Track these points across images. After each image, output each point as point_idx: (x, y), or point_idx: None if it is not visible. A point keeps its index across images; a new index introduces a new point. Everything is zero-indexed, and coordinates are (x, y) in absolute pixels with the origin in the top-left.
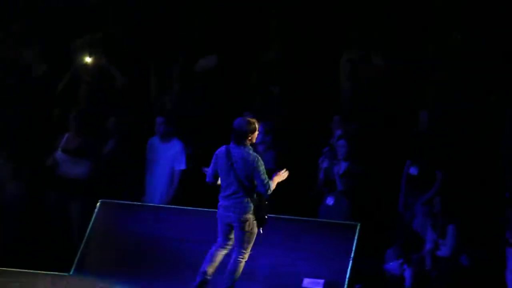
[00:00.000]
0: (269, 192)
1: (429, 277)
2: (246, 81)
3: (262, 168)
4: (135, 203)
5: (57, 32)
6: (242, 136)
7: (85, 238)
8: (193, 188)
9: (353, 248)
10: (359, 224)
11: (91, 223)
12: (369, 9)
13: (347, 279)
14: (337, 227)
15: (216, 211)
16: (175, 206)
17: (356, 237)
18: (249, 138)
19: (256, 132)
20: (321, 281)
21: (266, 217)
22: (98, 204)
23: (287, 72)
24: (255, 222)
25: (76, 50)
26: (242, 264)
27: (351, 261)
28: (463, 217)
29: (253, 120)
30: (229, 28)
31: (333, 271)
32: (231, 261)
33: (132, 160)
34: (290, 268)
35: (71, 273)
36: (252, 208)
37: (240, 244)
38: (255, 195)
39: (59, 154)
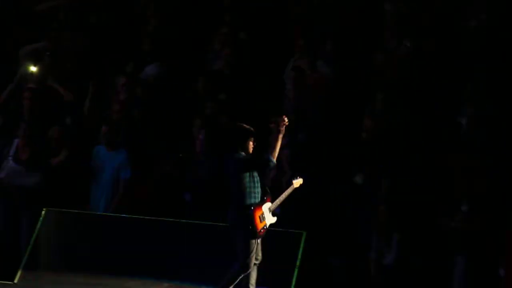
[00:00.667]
0: None
1: (374, 285)
2: (193, 89)
3: None
4: (79, 211)
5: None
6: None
7: (30, 246)
8: (138, 197)
9: (299, 257)
10: (304, 233)
11: (36, 232)
12: (317, 17)
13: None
14: (283, 235)
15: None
16: (119, 215)
17: (301, 246)
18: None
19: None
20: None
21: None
22: (43, 213)
23: (234, 80)
24: None
25: (22, 59)
26: None
27: (296, 270)
28: (408, 225)
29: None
30: (177, 36)
31: (279, 280)
32: None
33: (78, 169)
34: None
35: (15, 281)
36: None
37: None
38: None
39: (10, 163)
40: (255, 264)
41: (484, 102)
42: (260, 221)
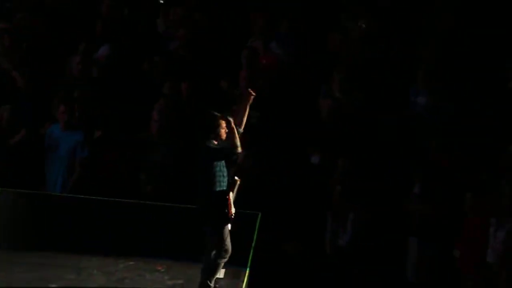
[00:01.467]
0: None
1: (329, 266)
2: (149, 72)
3: None
4: (34, 192)
5: None
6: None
7: None
8: (94, 176)
9: (254, 238)
10: (259, 214)
11: None
12: None
13: (248, 269)
14: (239, 216)
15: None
16: (75, 195)
17: (257, 227)
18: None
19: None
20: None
21: None
22: None
23: (191, 62)
24: None
25: None
26: None
27: (252, 250)
28: (363, 206)
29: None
30: (128, 17)
31: (235, 260)
32: None
33: (33, 149)
34: (191, 257)
35: None
36: None
37: None
38: None
39: None
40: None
41: (436, 83)
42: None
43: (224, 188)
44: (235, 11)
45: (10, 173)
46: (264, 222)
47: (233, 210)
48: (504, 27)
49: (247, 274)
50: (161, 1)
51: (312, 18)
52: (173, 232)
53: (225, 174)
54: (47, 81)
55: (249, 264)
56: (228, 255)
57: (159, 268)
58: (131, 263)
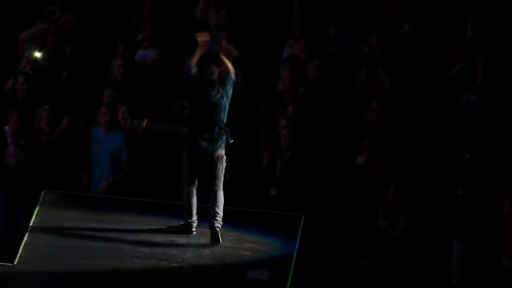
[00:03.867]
0: None
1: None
2: None
3: None
4: (78, 193)
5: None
6: None
7: (29, 228)
8: (135, 179)
9: (297, 240)
10: (303, 216)
11: (34, 214)
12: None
13: (291, 271)
14: (281, 218)
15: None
16: (118, 197)
17: (300, 230)
18: None
19: None
20: (266, 272)
21: None
22: (42, 194)
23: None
24: None
25: (22, 44)
26: None
27: (295, 253)
28: (415, 207)
29: None
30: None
31: (278, 263)
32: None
33: (77, 151)
34: (235, 259)
35: (15, 263)
36: None
37: None
38: None
39: (13, 149)
40: None
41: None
42: None
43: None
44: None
45: (53, 174)
46: (308, 224)
47: None
48: None
49: (290, 278)
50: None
51: (352, 19)
52: None
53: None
54: (89, 83)
55: (291, 269)
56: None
57: None
58: None
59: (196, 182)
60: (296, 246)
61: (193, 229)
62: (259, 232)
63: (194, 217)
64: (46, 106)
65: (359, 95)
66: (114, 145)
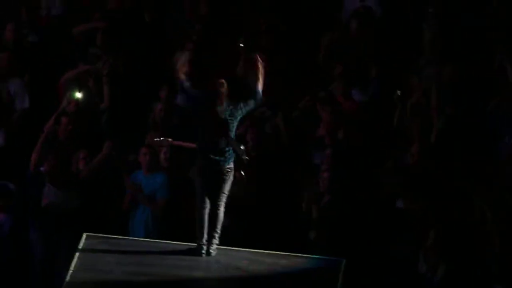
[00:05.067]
0: None
1: None
2: None
3: None
4: (120, 237)
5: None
6: None
7: (70, 271)
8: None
9: (338, 285)
10: (344, 260)
11: (76, 257)
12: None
13: None
14: (320, 262)
15: None
16: (160, 241)
17: (340, 274)
18: None
19: None
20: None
21: None
22: (83, 237)
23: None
24: None
25: (65, 86)
26: None
27: None
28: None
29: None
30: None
31: None
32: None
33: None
34: None
35: None
36: None
37: None
38: None
39: (51, 188)
40: None
41: None
42: None
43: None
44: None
45: (94, 216)
46: (347, 268)
47: None
48: None
49: None
50: (241, 44)
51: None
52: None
53: None
54: (129, 125)
55: None
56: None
57: None
58: None
59: (209, 201)
60: None
61: (203, 252)
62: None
63: (205, 239)
64: (84, 150)
65: (398, 137)
66: (154, 186)
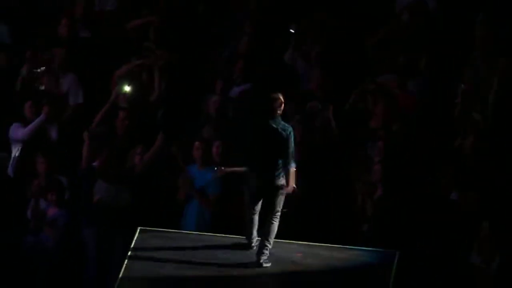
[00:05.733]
0: None
1: None
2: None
3: None
4: (174, 230)
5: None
6: None
7: (124, 266)
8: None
9: (392, 277)
10: (397, 253)
11: (130, 251)
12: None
13: None
14: (374, 254)
15: None
16: (213, 234)
17: (394, 267)
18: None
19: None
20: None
21: None
22: (137, 232)
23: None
24: None
25: (118, 80)
26: None
27: None
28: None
29: None
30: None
31: None
32: None
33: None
34: None
35: None
36: None
37: None
38: None
39: (102, 184)
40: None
41: None
42: None
43: None
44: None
45: (147, 211)
46: (401, 261)
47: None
48: None
49: None
50: (292, 30)
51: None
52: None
53: None
54: (184, 119)
55: None
56: None
57: None
58: None
59: (259, 207)
60: (391, 284)
61: (253, 245)
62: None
63: (254, 235)
64: (141, 145)
65: (454, 129)
66: (207, 181)
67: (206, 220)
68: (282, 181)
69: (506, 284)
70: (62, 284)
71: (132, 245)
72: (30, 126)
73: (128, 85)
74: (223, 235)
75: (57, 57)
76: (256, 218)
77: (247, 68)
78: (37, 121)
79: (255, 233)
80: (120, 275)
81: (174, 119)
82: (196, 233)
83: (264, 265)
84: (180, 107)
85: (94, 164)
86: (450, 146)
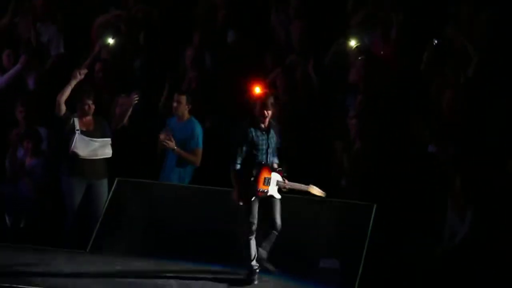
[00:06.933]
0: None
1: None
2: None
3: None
4: (151, 181)
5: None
6: None
7: (102, 216)
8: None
9: (369, 231)
10: (375, 205)
11: (107, 202)
12: None
13: (362, 260)
14: (352, 207)
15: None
16: (191, 185)
17: (371, 220)
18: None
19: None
20: (337, 261)
21: None
22: (115, 182)
23: None
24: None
25: (96, 30)
26: None
27: (366, 244)
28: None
29: None
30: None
31: (349, 252)
32: None
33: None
34: (306, 248)
35: (87, 250)
36: None
37: None
38: None
39: (79, 136)
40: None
41: None
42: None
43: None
44: None
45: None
46: (378, 214)
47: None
48: None
49: (360, 270)
50: None
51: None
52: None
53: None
54: (160, 71)
55: (363, 258)
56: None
57: None
58: None
59: (255, 227)
60: (368, 235)
61: (254, 278)
62: (331, 222)
63: (255, 262)
64: (122, 95)
65: (431, 83)
66: (186, 134)
67: (186, 174)
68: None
69: (477, 240)
70: (43, 234)
71: (110, 196)
72: (6, 75)
73: (112, 37)
74: (202, 186)
75: (37, 6)
76: (254, 241)
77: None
78: (13, 70)
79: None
80: (97, 226)
81: (153, 71)
82: (175, 184)
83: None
84: (158, 59)
85: (75, 114)
86: (429, 99)
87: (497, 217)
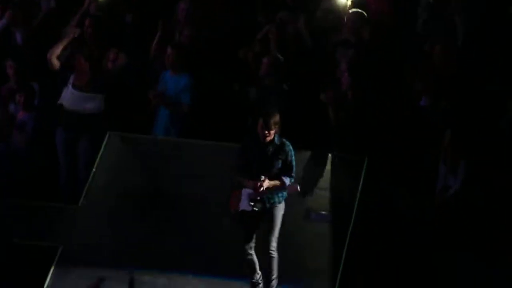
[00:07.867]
0: None
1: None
2: None
3: None
4: (143, 136)
5: None
6: None
7: (93, 170)
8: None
9: (360, 183)
10: (366, 159)
11: (99, 156)
12: None
13: (354, 213)
14: (343, 161)
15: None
16: (182, 139)
17: (363, 173)
18: None
19: None
20: (328, 214)
21: None
22: (106, 136)
23: None
24: None
25: None
26: None
27: (358, 197)
28: (475, 152)
29: None
30: None
31: (341, 206)
32: None
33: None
34: (296, 201)
35: (79, 204)
36: None
37: None
38: None
39: (70, 90)
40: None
41: None
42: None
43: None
44: None
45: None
46: (370, 167)
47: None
48: None
49: (353, 219)
50: None
51: None
52: None
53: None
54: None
55: (354, 211)
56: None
57: None
58: None
59: (254, 242)
60: (359, 188)
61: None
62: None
63: (258, 275)
64: (114, 49)
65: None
66: (179, 87)
67: (178, 129)
68: (280, 206)
69: (468, 197)
70: (37, 189)
71: (101, 151)
72: None
73: None
74: (195, 140)
75: None
76: (254, 255)
77: None
78: None
79: (258, 270)
80: (89, 181)
81: (144, 24)
82: (168, 138)
83: None
84: (149, 13)
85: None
86: (422, 52)
87: (489, 171)
